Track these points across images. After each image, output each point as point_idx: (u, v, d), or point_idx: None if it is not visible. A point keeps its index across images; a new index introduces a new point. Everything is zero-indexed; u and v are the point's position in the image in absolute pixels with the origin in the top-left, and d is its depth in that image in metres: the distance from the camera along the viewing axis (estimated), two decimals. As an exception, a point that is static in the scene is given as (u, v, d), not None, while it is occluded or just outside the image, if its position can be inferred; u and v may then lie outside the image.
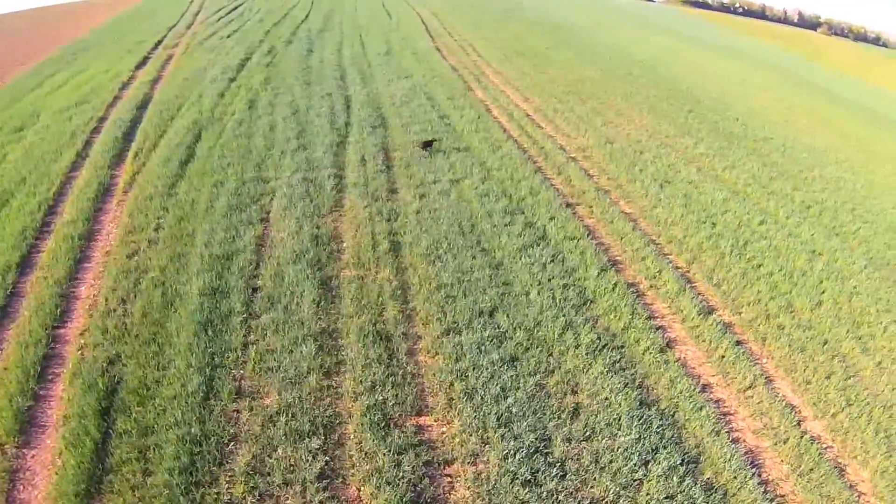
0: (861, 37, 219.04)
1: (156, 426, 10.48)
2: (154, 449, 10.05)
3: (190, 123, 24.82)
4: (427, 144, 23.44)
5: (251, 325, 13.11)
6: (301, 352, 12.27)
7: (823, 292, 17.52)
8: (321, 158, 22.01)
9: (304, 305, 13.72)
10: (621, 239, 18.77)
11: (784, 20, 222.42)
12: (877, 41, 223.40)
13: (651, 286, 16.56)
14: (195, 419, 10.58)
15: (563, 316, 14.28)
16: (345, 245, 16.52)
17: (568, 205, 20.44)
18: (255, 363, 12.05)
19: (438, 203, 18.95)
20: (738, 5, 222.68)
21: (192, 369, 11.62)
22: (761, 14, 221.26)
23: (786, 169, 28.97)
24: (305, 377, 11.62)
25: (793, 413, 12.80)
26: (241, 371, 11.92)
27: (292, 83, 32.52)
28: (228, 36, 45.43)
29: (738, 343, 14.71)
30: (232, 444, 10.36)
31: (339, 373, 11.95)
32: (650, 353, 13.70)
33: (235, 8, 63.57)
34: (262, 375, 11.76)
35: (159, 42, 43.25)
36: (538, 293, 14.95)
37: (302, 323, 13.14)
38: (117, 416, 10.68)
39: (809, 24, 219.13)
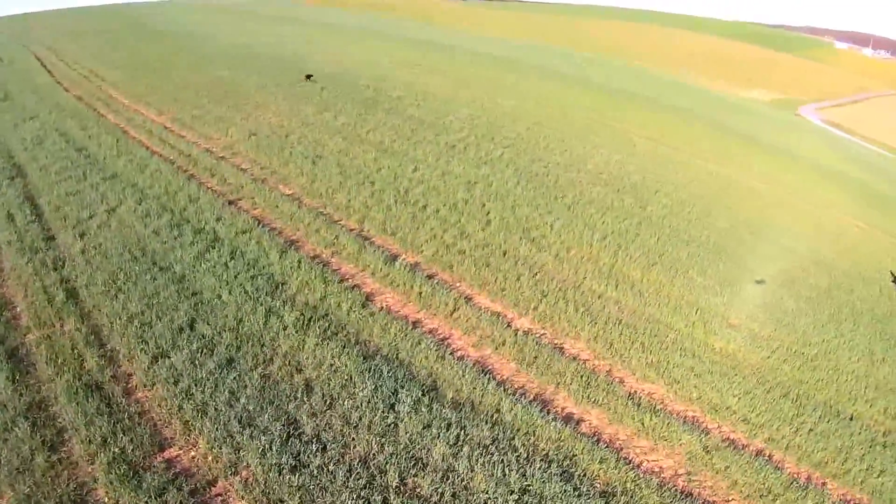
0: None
1: None
2: None
3: None
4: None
5: (-52, 429, 12.73)
6: (16, 436, 12.56)
7: (489, 213, 23.52)
8: (-40, 226, 21.47)
9: (-2, 386, 13.78)
10: (291, 219, 22.39)
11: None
12: None
13: (333, 253, 20.24)
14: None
15: (261, 305, 16.85)
16: (19, 308, 17.21)
17: (231, 202, 23.80)
18: (-31, 468, 11.80)
19: (101, 237, 20.79)
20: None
21: None
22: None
23: (424, 119, 37.20)
24: (32, 461, 12.06)
25: (500, 319, 17.27)
26: (-41, 483, 11.60)
27: None
28: None
29: (430, 277, 19.09)
30: (-14, 564, 10.17)
31: (64, 441, 12.64)
32: (354, 311, 16.85)
33: None
34: (-16, 477, 11.65)
35: None
36: (230, 292, 17.43)
37: (4, 405, 13.36)
38: None
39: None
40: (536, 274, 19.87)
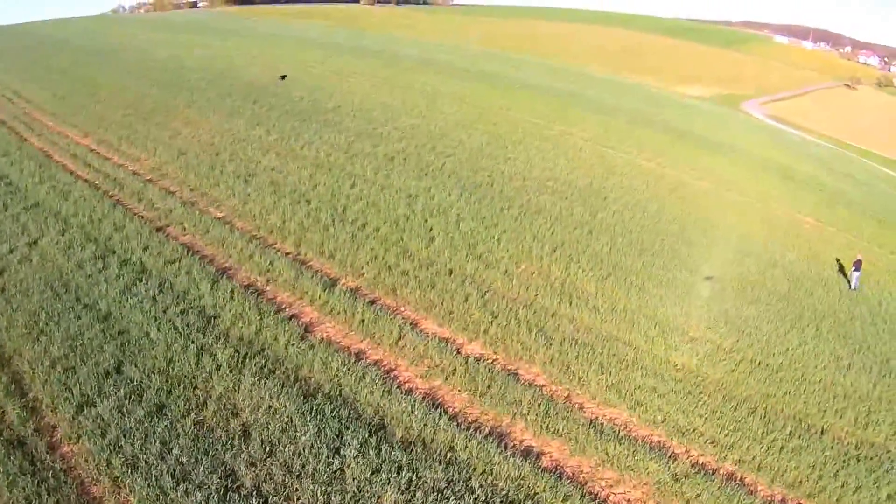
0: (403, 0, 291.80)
1: None
2: None
3: None
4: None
5: None
6: (-64, 504, 11.30)
7: (431, 229, 23.10)
8: None
9: (-88, 450, 12.55)
10: (223, 245, 21.53)
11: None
12: (418, 1, 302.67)
13: (268, 280, 19.43)
14: None
15: (193, 343, 15.98)
16: (-67, 359, 15.62)
17: (158, 229, 22.86)
18: None
19: (22, 273, 19.70)
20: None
21: None
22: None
23: (361, 130, 36.82)
24: (-45, 531, 10.81)
25: (448, 345, 16.70)
26: None
27: None
28: None
29: (372, 303, 18.47)
30: None
31: (-13, 506, 11.50)
32: (292, 345, 16.06)
33: None
34: None
35: None
36: (158, 330, 16.51)
37: (-79, 469, 12.03)
38: None
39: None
40: (485, 293, 19.41)
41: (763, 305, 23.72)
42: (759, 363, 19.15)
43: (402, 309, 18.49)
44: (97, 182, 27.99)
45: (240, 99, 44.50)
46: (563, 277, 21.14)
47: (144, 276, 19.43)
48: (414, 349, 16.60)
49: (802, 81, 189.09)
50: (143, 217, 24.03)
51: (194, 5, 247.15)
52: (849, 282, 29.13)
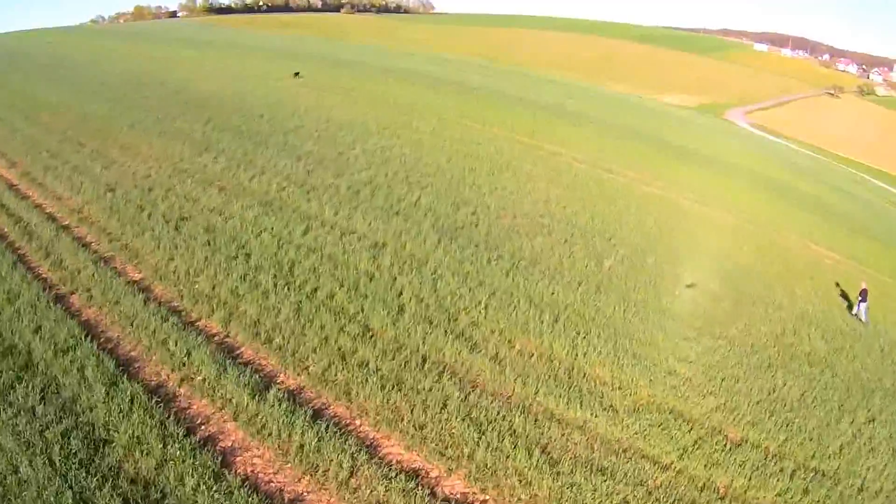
0: (383, 9, 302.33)
1: None
2: None
3: None
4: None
5: None
6: None
7: (401, 292, 18.55)
8: None
9: None
10: (132, 323, 16.65)
11: (308, 8, 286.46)
12: (398, 10, 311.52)
13: (182, 379, 14.59)
14: None
15: (71, 488, 11.24)
16: None
17: (59, 298, 18.04)
18: None
19: None
20: (261, 3, 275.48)
21: None
22: (286, 7, 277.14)
23: (324, 155, 32.43)
24: None
25: (419, 482, 12.17)
26: None
27: None
28: None
29: (317, 415, 13.69)
30: None
31: None
32: (203, 489, 11.34)
33: None
34: None
35: None
36: (30, 462, 11.75)
37: None
38: None
39: (333, 6, 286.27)
40: (469, 393, 14.78)
41: (805, 380, 19.53)
42: (813, 470, 14.92)
43: (358, 423, 13.78)
44: (6, 231, 23.41)
45: (191, 118, 40.14)
46: (569, 361, 16.62)
47: (28, 373, 14.57)
48: (371, 492, 11.91)
49: (784, 89, 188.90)
50: (45, 280, 19.29)
51: (174, 15, 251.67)
52: (856, 316, 26.69)
